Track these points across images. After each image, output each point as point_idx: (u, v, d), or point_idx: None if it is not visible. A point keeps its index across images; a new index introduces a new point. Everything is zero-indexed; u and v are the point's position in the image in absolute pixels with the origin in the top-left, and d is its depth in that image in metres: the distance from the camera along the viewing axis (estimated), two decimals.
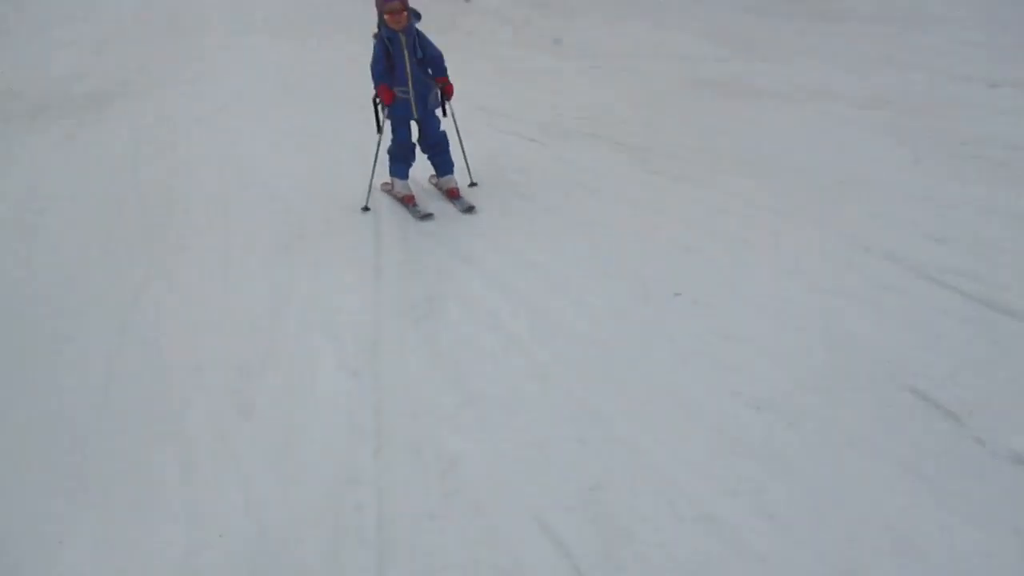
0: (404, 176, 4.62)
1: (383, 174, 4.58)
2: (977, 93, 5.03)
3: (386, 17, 4.21)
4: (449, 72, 4.38)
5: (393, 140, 4.53)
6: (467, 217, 4.29)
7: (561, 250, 3.68)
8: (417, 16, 4.37)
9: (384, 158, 4.56)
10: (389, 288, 3.52)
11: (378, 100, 4.32)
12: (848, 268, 3.22)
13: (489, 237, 3.94)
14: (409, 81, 4.28)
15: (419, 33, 4.34)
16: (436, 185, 4.76)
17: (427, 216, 4.36)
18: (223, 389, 2.85)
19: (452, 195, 4.59)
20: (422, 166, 4.64)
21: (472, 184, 4.67)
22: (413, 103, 4.34)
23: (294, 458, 2.48)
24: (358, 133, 5.29)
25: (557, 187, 4.49)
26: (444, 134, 4.60)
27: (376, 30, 4.32)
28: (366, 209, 4.48)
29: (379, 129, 4.42)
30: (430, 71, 4.37)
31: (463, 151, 4.69)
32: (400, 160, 4.59)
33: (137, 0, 14.36)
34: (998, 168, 3.96)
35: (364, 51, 4.64)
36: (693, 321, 2.98)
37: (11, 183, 5.58)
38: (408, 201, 4.57)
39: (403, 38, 4.24)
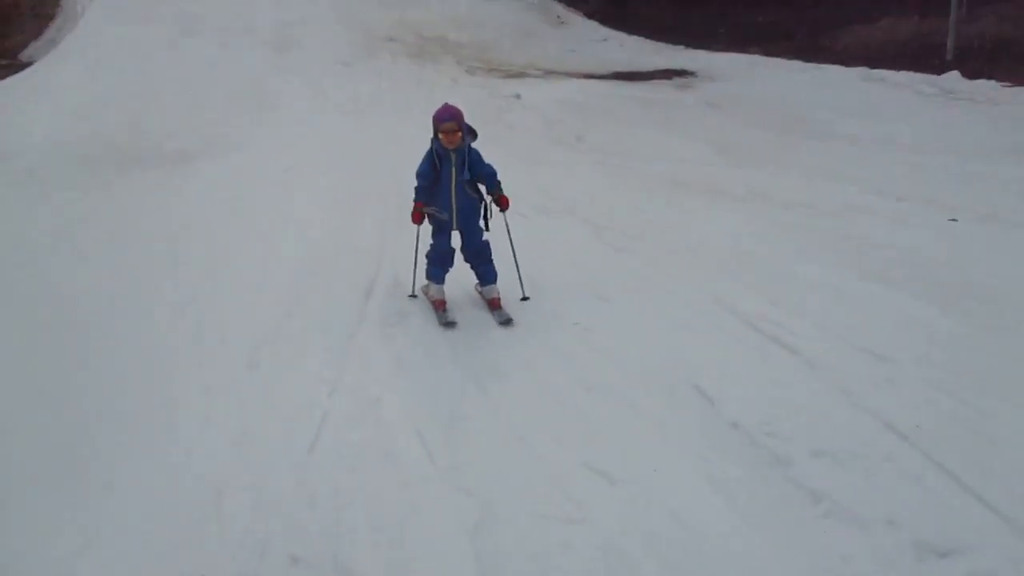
0: (439, 280, 4.77)
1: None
2: (885, 204, 6.29)
3: (440, 136, 4.39)
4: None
5: (432, 245, 4.73)
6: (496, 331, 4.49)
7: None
8: (473, 135, 4.55)
9: (423, 257, 4.81)
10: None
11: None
12: (704, 314, 4.49)
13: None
14: (452, 200, 4.49)
15: (471, 151, 4.53)
16: (480, 294, 4.90)
17: (449, 324, 4.52)
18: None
19: (493, 305, 4.69)
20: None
21: (525, 298, 4.81)
22: (455, 218, 4.55)
23: None
24: (395, 196, 6.75)
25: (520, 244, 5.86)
26: (487, 243, 4.75)
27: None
28: (413, 296, 4.85)
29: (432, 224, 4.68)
30: (482, 187, 4.61)
31: (516, 263, 4.80)
32: (436, 264, 4.76)
33: (230, 74, 16.81)
34: (863, 258, 5.20)
35: (416, 133, 5.94)
36: (582, 344, 4.31)
37: (106, 217, 7.33)
38: (438, 306, 4.70)
39: (453, 156, 4.42)
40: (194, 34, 21.03)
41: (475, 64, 18.05)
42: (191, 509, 2.99)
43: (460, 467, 3.17)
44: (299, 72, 16.99)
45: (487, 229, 4.72)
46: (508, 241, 4.76)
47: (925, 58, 15.54)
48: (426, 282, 4.85)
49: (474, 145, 4.59)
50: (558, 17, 24.11)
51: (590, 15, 23.78)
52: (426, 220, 4.69)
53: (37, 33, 24.32)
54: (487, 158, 4.65)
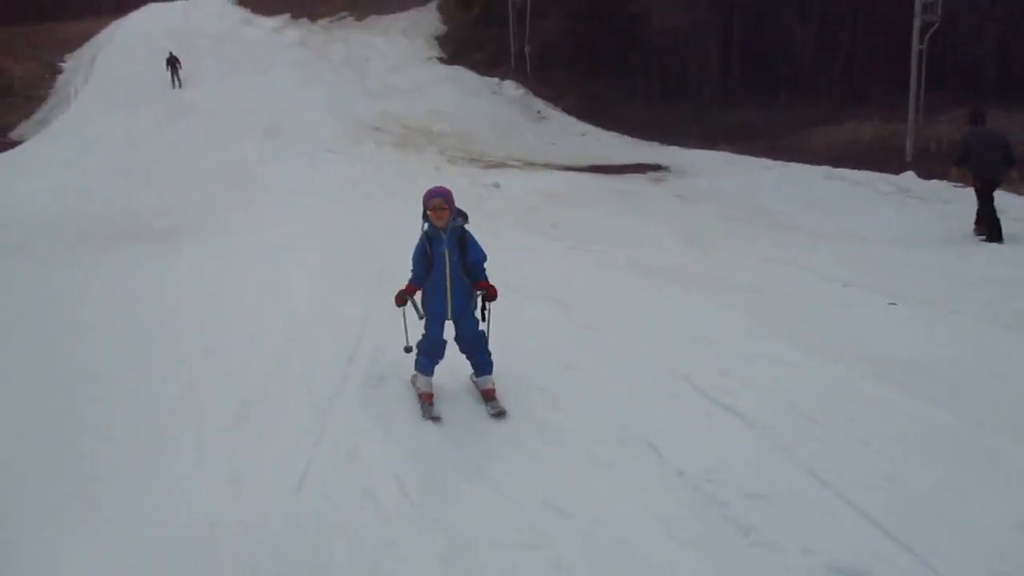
0: (427, 372, 4.73)
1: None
2: (832, 289, 6.90)
3: (429, 213, 4.45)
4: None
5: (424, 335, 4.70)
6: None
7: None
8: (463, 217, 4.60)
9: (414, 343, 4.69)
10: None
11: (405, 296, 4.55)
12: (658, 384, 4.97)
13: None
14: (447, 288, 4.50)
15: (464, 233, 4.56)
16: (475, 384, 4.87)
17: (434, 419, 4.51)
18: None
19: (487, 396, 4.68)
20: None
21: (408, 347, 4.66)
22: (449, 303, 4.53)
23: None
24: (377, 273, 7.28)
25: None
26: (482, 334, 4.72)
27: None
28: (408, 350, 4.70)
29: (419, 315, 4.64)
30: (469, 270, 4.54)
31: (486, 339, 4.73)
32: (426, 355, 4.70)
33: (218, 157, 17.56)
34: (808, 336, 5.74)
35: (400, 217, 6.40)
36: (548, 407, 4.76)
37: (98, 290, 7.77)
38: (424, 399, 4.68)
39: (445, 236, 4.45)
40: (183, 117, 22.00)
41: (457, 154, 19.00)
42: (188, 537, 3.36)
43: (433, 504, 3.57)
44: (287, 157, 17.82)
45: (483, 319, 4.68)
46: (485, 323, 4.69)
47: (886, 159, 16.67)
48: (414, 373, 4.81)
49: (467, 228, 4.63)
50: (538, 112, 25.43)
51: (568, 110, 25.11)
52: (420, 317, 4.65)
53: (28, 113, 25.28)
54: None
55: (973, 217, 9.17)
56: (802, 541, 3.10)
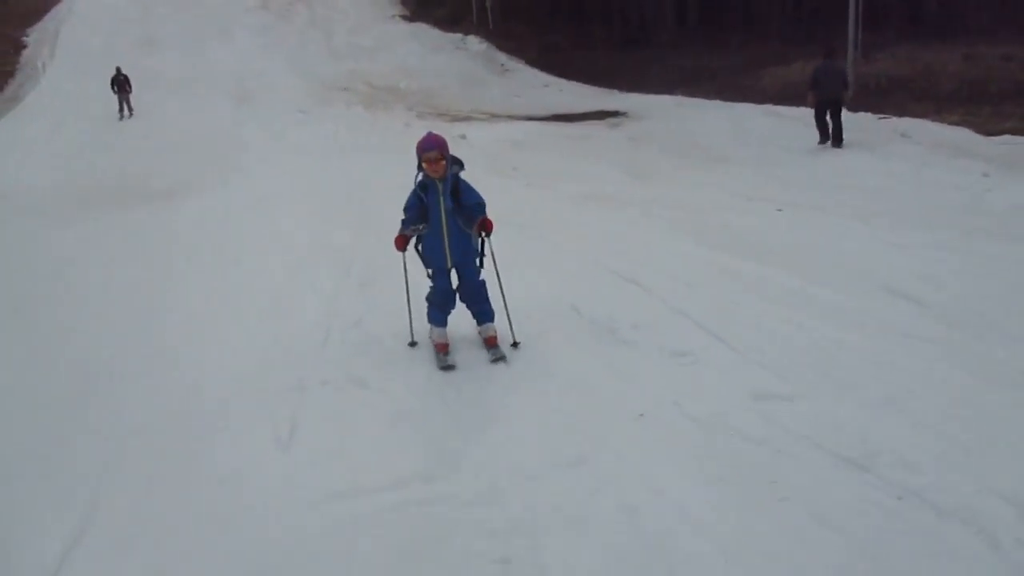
0: (439, 323, 4.97)
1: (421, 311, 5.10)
2: (738, 203, 8.75)
3: (424, 165, 4.56)
4: None
5: (432, 287, 4.96)
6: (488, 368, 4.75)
7: None
8: (459, 164, 4.72)
9: (423, 303, 5.05)
10: None
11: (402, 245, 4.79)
12: (586, 270, 6.77)
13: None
14: (444, 235, 4.64)
15: (459, 180, 4.69)
16: (479, 333, 5.11)
17: (447, 367, 4.74)
18: None
19: (488, 343, 4.94)
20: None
21: (515, 344, 5.03)
22: (447, 251, 4.70)
23: None
24: (358, 216, 8.99)
25: None
26: (483, 283, 4.96)
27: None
28: (413, 344, 5.10)
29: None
30: (466, 214, 4.68)
31: (505, 306, 5.03)
32: (437, 307, 4.97)
33: (194, 123, 19.05)
34: (707, 235, 7.56)
35: (373, 169, 8.05)
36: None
37: (109, 242, 9.41)
38: (440, 349, 4.91)
39: (440, 186, 4.57)
40: (154, 87, 23.35)
41: (425, 110, 20.64)
42: (247, 361, 5.12)
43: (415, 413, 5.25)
44: (260, 120, 19.39)
45: (482, 266, 4.92)
46: (496, 278, 5.02)
47: None
48: (428, 325, 5.04)
49: (462, 175, 4.78)
50: (502, 65, 27.02)
51: (532, 63, 26.74)
52: (425, 270, 4.94)
53: None
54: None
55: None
56: (658, 343, 4.92)
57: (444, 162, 4.52)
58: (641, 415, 3.96)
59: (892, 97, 18.31)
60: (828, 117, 12.42)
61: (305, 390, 4.62)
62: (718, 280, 6.09)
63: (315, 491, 3.52)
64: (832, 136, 12.40)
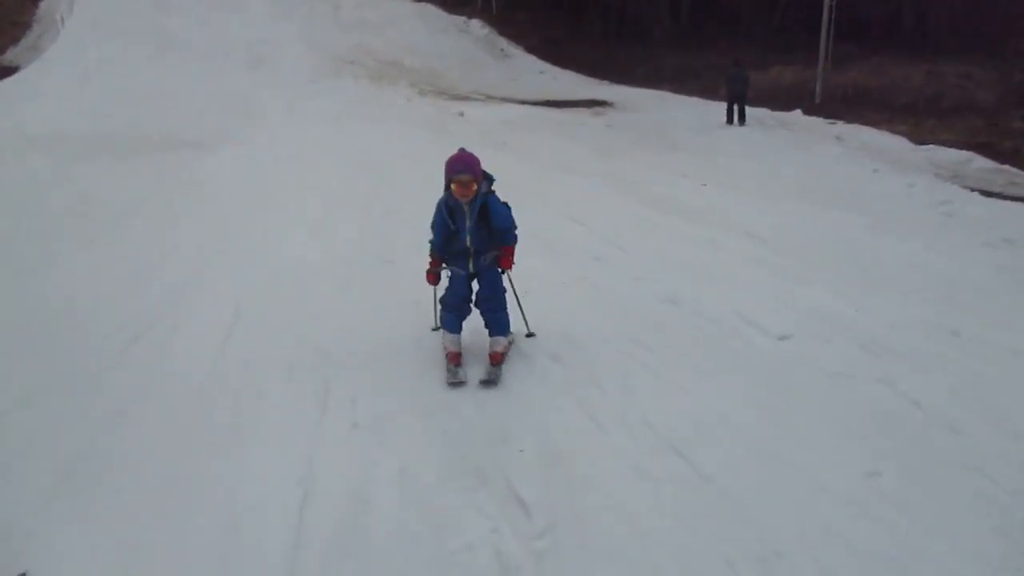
0: (453, 329, 4.88)
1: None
2: (673, 178, 11.71)
3: (453, 187, 4.49)
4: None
5: (448, 288, 4.95)
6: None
7: None
8: (488, 182, 4.70)
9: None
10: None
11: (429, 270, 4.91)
12: (549, 215, 9.66)
13: None
14: (468, 245, 4.71)
15: (489, 201, 4.69)
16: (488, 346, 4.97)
17: (456, 384, 4.63)
18: None
19: (491, 359, 4.84)
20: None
21: (530, 335, 5.44)
22: (470, 262, 4.81)
23: None
24: (372, 172, 11.90)
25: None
26: (503, 291, 4.97)
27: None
28: (437, 329, 5.33)
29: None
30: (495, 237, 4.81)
31: (519, 303, 5.35)
32: (451, 310, 4.90)
33: (212, 85, 21.87)
34: (646, 199, 10.49)
35: (382, 136, 10.81)
36: None
37: (159, 177, 12.26)
38: (451, 359, 4.80)
39: (467, 208, 4.58)
40: (172, 49, 26.15)
41: (427, 87, 23.54)
42: (291, 267, 8.00)
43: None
44: (273, 87, 22.21)
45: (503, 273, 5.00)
46: (511, 288, 5.25)
47: (799, 100, 21.54)
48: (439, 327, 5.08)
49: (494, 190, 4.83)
50: (502, 50, 29.95)
51: (530, 50, 29.70)
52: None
53: (15, 39, 29.14)
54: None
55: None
56: (586, 253, 7.83)
57: (475, 185, 4.51)
58: (564, 283, 6.89)
59: (854, 106, 21.35)
60: (735, 107, 17.90)
61: (353, 272, 7.50)
62: (634, 223, 9.07)
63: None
64: (738, 119, 17.94)
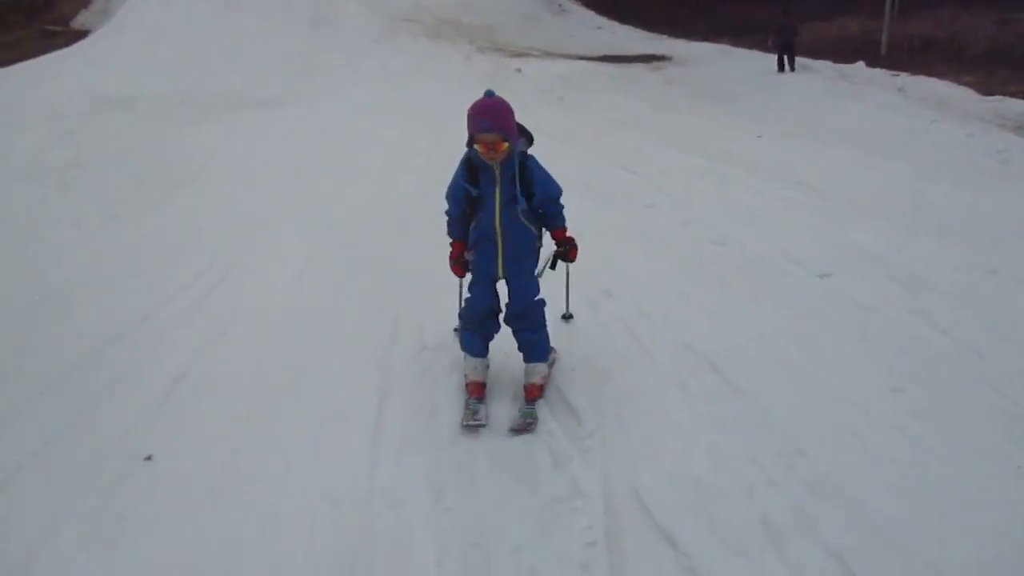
0: (476, 352, 3.98)
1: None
2: (727, 131, 11.96)
3: (478, 147, 3.56)
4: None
5: (467, 301, 3.99)
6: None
7: None
8: (527, 139, 3.82)
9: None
10: None
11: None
12: (601, 165, 10.04)
13: None
14: (497, 234, 3.73)
15: (526, 164, 3.74)
16: (523, 375, 4.06)
17: (472, 426, 3.81)
18: None
19: (527, 394, 3.98)
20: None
21: (567, 316, 5.03)
22: (500, 256, 3.78)
23: None
24: (435, 127, 12.39)
25: None
26: (540, 304, 3.97)
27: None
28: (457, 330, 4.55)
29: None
30: (539, 212, 3.83)
31: (567, 285, 4.85)
32: (472, 328, 3.96)
33: (276, 45, 22.52)
34: (701, 149, 10.77)
35: (440, 93, 11.36)
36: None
37: (217, 136, 12.92)
38: (472, 391, 3.95)
39: (497, 172, 3.66)
40: (236, 9, 26.86)
41: (485, 44, 23.88)
42: (346, 206, 8.55)
43: None
44: (334, 46, 22.78)
45: (553, 268, 4.12)
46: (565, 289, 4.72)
47: (864, 52, 21.31)
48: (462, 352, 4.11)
49: (532, 151, 3.85)
50: (559, 6, 30.06)
51: (588, 5, 29.77)
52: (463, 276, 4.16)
53: (85, 3, 30.12)
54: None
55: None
56: (638, 200, 8.23)
57: (505, 145, 3.57)
58: (615, 227, 7.31)
59: (921, 57, 21.02)
60: (784, 56, 18.35)
61: (414, 219, 8.02)
62: (684, 170, 9.43)
63: None
64: (788, 66, 18.35)
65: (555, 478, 3.60)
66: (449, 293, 4.68)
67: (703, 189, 8.61)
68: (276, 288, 6.03)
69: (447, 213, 4.01)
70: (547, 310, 4.16)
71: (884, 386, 4.27)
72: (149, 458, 3.79)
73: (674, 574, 3.03)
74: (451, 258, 4.11)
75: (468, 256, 4.03)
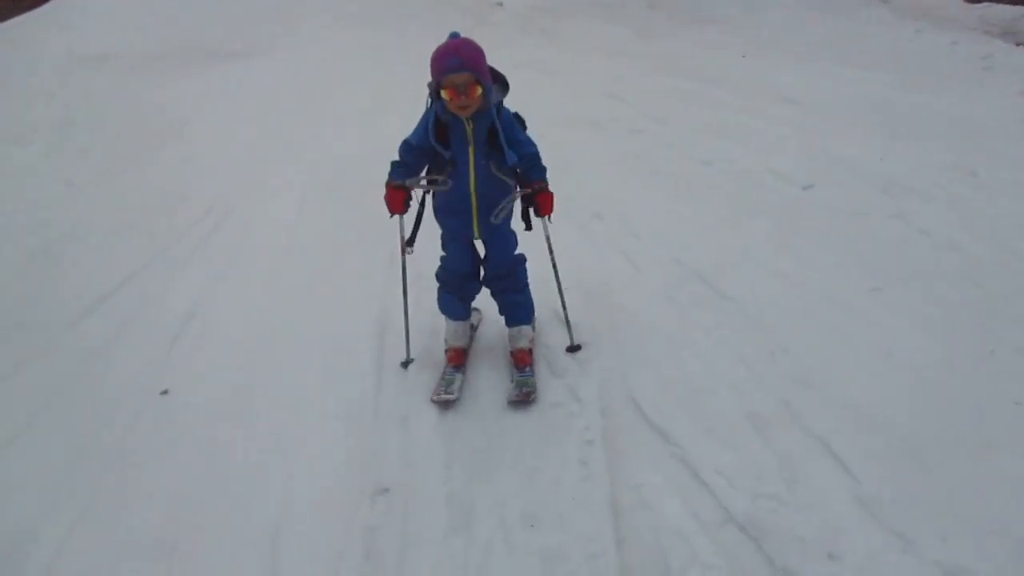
0: (453, 315, 3.78)
1: (419, 311, 4.18)
2: (705, 51, 11.97)
3: (445, 94, 3.10)
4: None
5: (443, 260, 3.74)
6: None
7: None
8: (503, 86, 3.31)
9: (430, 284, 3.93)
10: None
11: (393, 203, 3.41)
12: (587, 93, 10.09)
13: None
14: (471, 190, 3.33)
15: (502, 114, 3.29)
16: (508, 338, 3.86)
17: (443, 400, 3.58)
18: None
19: (516, 360, 3.73)
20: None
21: (574, 348, 4.03)
22: (475, 218, 3.43)
23: None
24: (410, 68, 12.41)
25: None
26: (519, 260, 3.70)
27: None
28: (406, 363, 3.99)
29: (406, 244, 3.61)
30: (517, 170, 3.40)
31: (560, 293, 3.97)
32: (450, 289, 3.73)
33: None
34: (684, 71, 10.81)
35: (423, 30, 11.41)
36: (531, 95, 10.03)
37: (198, 87, 12.90)
38: (451, 359, 3.77)
39: (470, 126, 3.22)
40: None
41: None
42: (334, 156, 8.64)
43: None
44: None
45: (528, 228, 3.64)
46: (548, 253, 3.80)
47: None
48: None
49: (507, 103, 3.39)
50: None
51: None
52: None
53: None
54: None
55: None
56: (625, 127, 8.33)
57: (477, 89, 3.13)
58: (604, 153, 7.43)
59: None
60: None
61: None
62: (669, 94, 9.49)
63: None
64: None
65: (553, 387, 3.81)
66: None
67: (689, 111, 8.69)
68: (276, 227, 6.20)
69: (394, 162, 3.46)
70: (541, 312, 4.25)
71: (866, 285, 4.47)
72: (165, 392, 3.99)
73: (667, 463, 3.25)
74: (392, 197, 3.44)
75: (414, 184, 3.45)
